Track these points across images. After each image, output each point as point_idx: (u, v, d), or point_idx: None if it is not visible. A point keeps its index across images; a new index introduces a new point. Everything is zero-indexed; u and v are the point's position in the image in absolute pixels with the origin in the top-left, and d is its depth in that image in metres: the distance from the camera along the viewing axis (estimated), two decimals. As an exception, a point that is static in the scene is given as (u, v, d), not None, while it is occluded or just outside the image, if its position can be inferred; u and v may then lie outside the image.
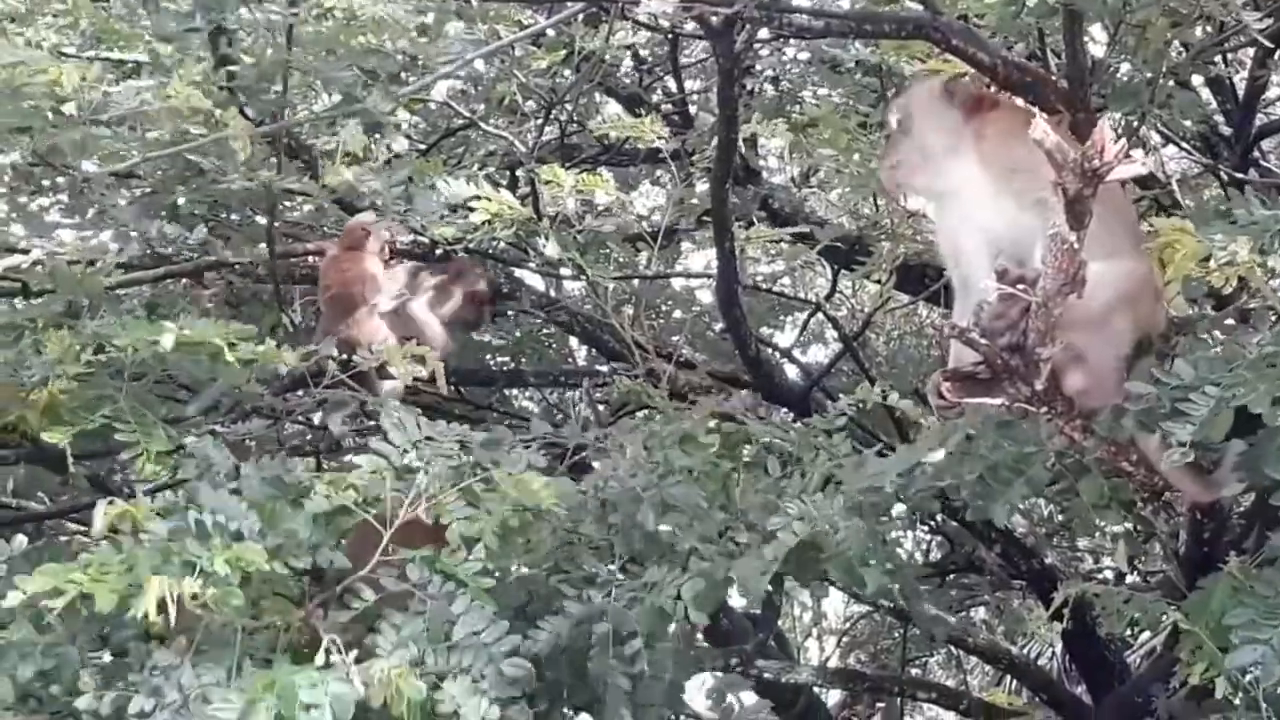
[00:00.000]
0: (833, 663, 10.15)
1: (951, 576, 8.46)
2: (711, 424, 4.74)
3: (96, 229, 6.35)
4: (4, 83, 5.04)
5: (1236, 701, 4.20)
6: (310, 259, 6.44)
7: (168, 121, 5.32)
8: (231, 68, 5.55)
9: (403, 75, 6.15)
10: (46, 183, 6.40)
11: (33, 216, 6.49)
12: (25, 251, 6.04)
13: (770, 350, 7.27)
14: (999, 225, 4.25)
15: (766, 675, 7.15)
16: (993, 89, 4.69)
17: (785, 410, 6.37)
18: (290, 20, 5.45)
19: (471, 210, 6.00)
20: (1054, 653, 8.54)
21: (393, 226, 6.06)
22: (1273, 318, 4.58)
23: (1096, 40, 5.25)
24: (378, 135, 6.07)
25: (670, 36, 6.48)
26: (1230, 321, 5.04)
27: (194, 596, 3.63)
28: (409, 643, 3.85)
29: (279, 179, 5.74)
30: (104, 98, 5.18)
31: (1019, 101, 4.62)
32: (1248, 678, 3.86)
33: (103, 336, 4.30)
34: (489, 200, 5.96)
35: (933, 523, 6.87)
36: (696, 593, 4.01)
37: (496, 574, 3.98)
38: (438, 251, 6.22)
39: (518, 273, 6.86)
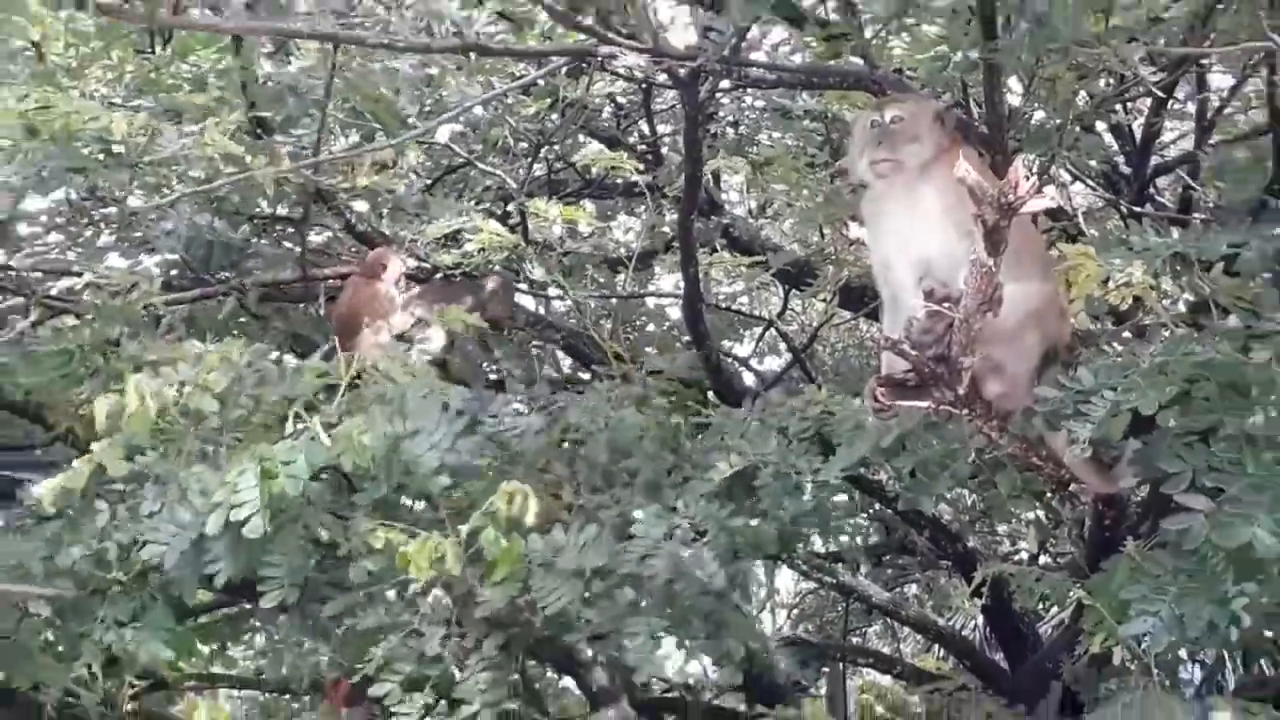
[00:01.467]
0: (785, 632, 10.14)
1: (887, 558, 8.47)
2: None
3: (141, 255, 6.34)
4: (61, 129, 5.03)
5: (1132, 666, 4.21)
6: (334, 280, 6.43)
7: (204, 163, 5.31)
8: (261, 114, 5.56)
9: (410, 120, 6.16)
10: (98, 215, 6.39)
11: (86, 245, 6.48)
12: (78, 274, 6.03)
13: (730, 360, 7.28)
14: (930, 250, 4.24)
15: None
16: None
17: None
18: (328, 77, 5.45)
19: (469, 239, 6.01)
20: (976, 624, 8.54)
21: (406, 259, 6.06)
22: (1164, 332, 4.58)
23: (1013, 91, 5.25)
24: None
25: (644, 86, 6.48)
26: (1127, 335, 5.05)
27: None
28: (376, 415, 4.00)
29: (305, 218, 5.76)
30: (148, 142, 5.17)
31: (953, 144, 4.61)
32: (1142, 646, 3.86)
33: (138, 359, 4.30)
34: (482, 230, 5.96)
35: (870, 510, 6.86)
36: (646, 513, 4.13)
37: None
38: (438, 275, 6.19)
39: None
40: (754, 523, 4.24)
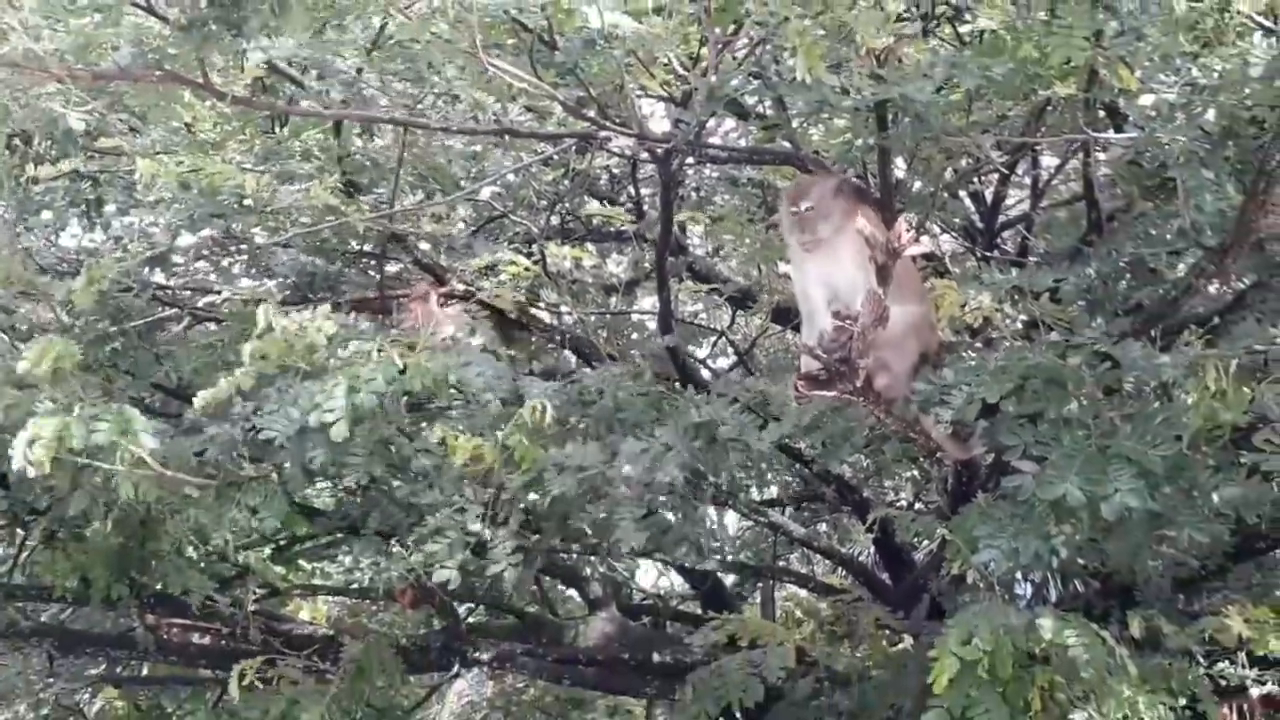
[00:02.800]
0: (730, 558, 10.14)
1: (805, 504, 8.48)
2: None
3: (264, 279, 6.34)
4: (206, 185, 5.04)
5: (980, 584, 4.24)
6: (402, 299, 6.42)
7: (311, 212, 5.32)
8: (352, 178, 5.56)
9: (461, 183, 6.16)
10: (232, 248, 6.39)
11: (223, 271, 6.48)
12: (218, 292, 6.04)
13: (692, 359, 7.29)
14: (838, 282, 4.26)
15: (685, 564, 7.19)
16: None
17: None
18: (400, 152, 5.46)
19: (504, 270, 6.02)
20: (869, 552, 8.54)
21: (451, 284, 6.05)
22: (1006, 343, 4.60)
23: (899, 167, 5.28)
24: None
25: (631, 160, 6.48)
26: (978, 345, 5.08)
27: None
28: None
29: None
30: (270, 196, 5.18)
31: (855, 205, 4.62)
32: (988, 569, 3.89)
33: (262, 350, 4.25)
34: (514, 264, 5.97)
35: (793, 469, 6.87)
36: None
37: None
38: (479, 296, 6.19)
39: (532, 309, 6.84)
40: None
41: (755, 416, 4.47)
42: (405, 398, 4.12)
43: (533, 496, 4.11)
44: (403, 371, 3.89)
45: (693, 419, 4.30)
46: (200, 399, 4.00)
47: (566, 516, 4.31)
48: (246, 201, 5.22)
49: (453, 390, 4.16)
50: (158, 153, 5.16)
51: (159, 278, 5.87)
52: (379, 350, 4.00)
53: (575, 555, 6.75)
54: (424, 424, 4.41)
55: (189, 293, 6.15)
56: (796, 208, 4.29)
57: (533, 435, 3.99)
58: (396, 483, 4.47)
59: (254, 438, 4.06)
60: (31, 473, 3.71)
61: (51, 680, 7.18)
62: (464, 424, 4.23)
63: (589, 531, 4.37)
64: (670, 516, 4.29)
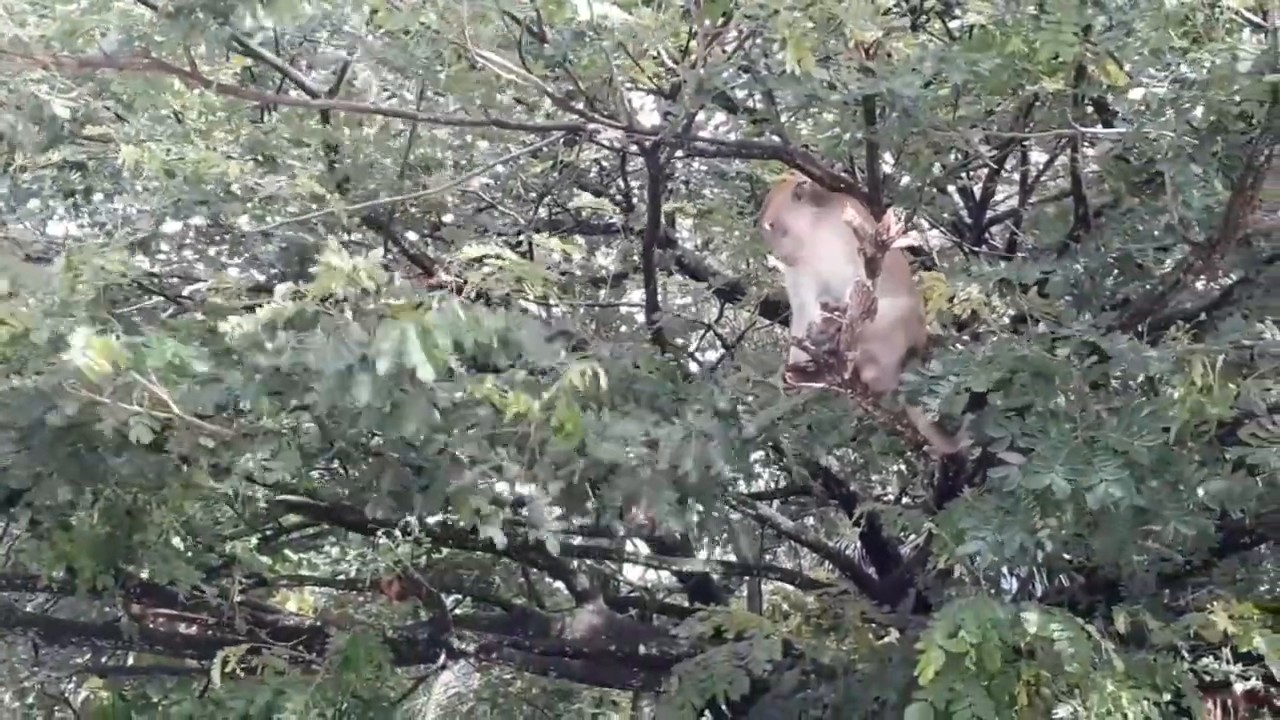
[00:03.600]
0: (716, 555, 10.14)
1: (791, 497, 8.48)
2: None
3: (251, 269, 6.31)
4: (192, 173, 5.00)
5: (966, 578, 4.24)
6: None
7: (298, 200, 5.29)
8: (337, 165, 5.54)
9: (450, 173, 6.14)
10: (217, 236, 6.35)
11: (208, 259, 6.45)
12: (203, 281, 6.00)
13: (682, 352, 7.27)
14: (826, 274, 4.26)
15: (674, 566, 7.21)
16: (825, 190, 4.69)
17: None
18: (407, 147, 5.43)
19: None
20: (855, 546, 8.55)
21: (439, 275, 6.02)
22: (993, 336, 4.60)
23: (887, 162, 5.27)
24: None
25: (620, 153, 6.47)
26: (966, 338, 5.08)
27: None
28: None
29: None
30: (256, 185, 5.15)
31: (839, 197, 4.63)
32: (973, 563, 3.89)
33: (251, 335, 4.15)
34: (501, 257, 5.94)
35: (780, 461, 6.87)
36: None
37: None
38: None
39: (521, 303, 6.82)
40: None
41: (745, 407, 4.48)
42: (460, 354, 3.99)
43: (580, 463, 4.02)
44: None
45: (717, 403, 4.27)
46: (231, 325, 3.77)
47: (600, 485, 4.25)
48: (233, 189, 5.18)
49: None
50: (144, 140, 5.12)
51: (144, 264, 5.83)
52: (440, 301, 3.88)
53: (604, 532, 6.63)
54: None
55: (174, 281, 6.11)
56: (766, 226, 4.41)
57: (583, 400, 3.92)
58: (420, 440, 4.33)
59: (288, 373, 3.90)
60: (91, 377, 3.50)
61: (36, 669, 7.16)
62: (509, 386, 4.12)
63: (622, 504, 4.27)
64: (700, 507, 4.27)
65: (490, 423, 4.00)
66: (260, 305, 3.86)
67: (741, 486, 6.66)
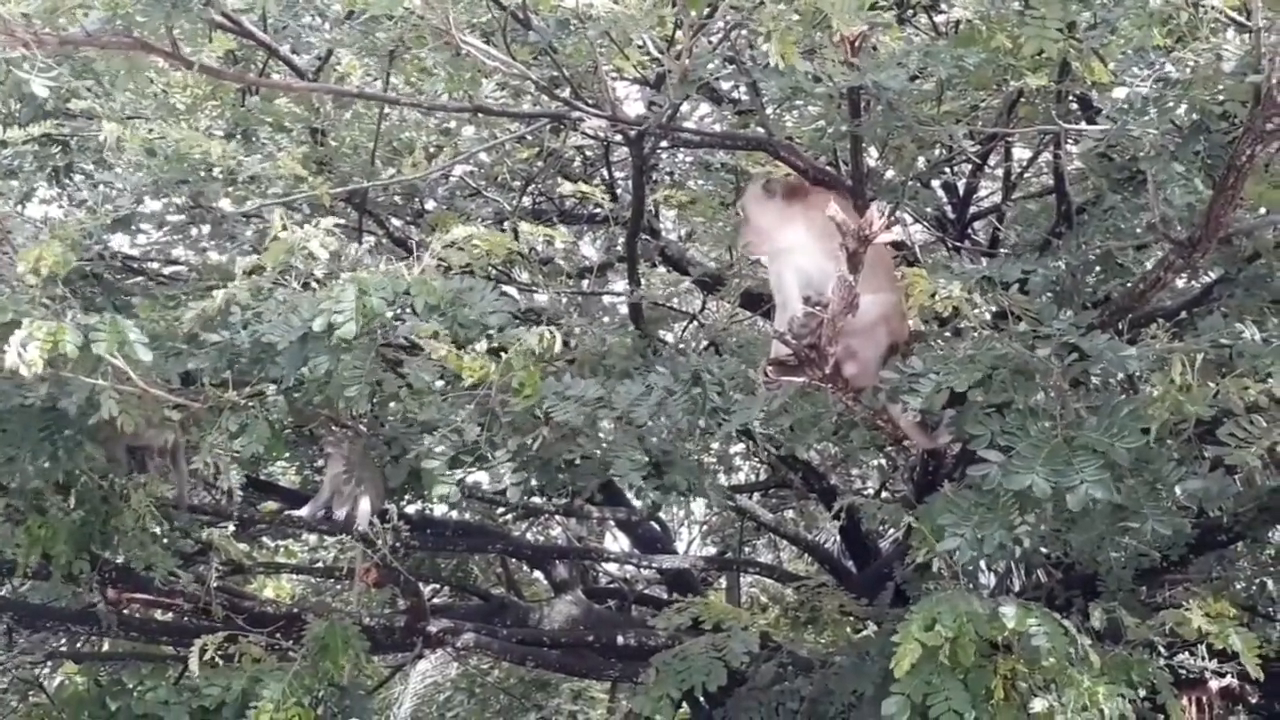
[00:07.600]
0: (695, 547, 10.14)
1: (772, 490, 8.49)
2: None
3: (229, 246, 6.27)
4: (174, 152, 4.96)
5: (945, 573, 4.24)
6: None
7: (280, 181, 5.25)
8: (321, 148, 5.51)
9: (433, 160, 6.10)
10: (198, 217, 6.30)
11: (189, 238, 6.40)
12: (183, 264, 5.97)
13: (664, 343, 7.26)
14: (808, 269, 4.25)
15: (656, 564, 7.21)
16: (807, 183, 4.69)
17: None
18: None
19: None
20: (834, 540, 8.58)
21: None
22: (974, 333, 4.60)
23: (871, 155, 5.27)
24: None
25: (604, 142, 6.45)
26: (948, 334, 5.08)
27: None
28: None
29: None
30: (238, 164, 5.11)
31: (822, 191, 4.62)
32: (952, 557, 3.89)
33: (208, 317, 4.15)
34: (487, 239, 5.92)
35: (761, 454, 6.88)
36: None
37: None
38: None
39: (505, 288, 6.80)
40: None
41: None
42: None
43: (543, 431, 4.03)
44: (406, 292, 3.82)
45: (685, 366, 4.27)
46: (191, 311, 3.87)
47: (567, 466, 4.26)
48: (216, 171, 5.14)
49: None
50: (128, 117, 5.08)
51: (123, 243, 5.80)
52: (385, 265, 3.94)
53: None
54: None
55: (153, 262, 6.07)
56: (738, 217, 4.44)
57: (538, 362, 3.93)
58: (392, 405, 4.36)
59: (249, 348, 3.94)
60: (25, 373, 3.55)
61: (11, 654, 7.11)
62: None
63: (582, 461, 4.28)
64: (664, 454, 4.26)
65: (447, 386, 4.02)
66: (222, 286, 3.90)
67: (722, 479, 6.66)
